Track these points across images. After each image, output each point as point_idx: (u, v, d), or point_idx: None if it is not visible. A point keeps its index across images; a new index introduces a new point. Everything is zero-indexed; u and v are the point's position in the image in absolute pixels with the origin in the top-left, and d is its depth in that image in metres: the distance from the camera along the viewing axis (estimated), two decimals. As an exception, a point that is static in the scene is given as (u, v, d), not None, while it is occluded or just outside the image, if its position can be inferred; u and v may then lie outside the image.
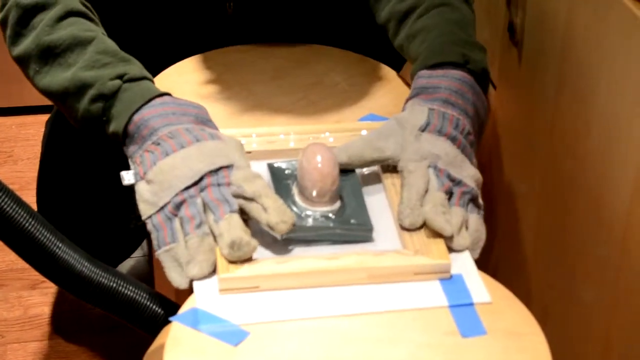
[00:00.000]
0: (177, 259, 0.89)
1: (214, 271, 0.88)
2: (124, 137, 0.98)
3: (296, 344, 0.82)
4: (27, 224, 0.95)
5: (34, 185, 1.51)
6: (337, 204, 0.95)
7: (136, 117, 0.97)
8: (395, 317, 0.85)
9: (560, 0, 1.06)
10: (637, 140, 0.90)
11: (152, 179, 0.93)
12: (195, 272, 0.87)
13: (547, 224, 1.14)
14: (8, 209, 0.94)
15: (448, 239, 0.91)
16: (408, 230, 0.92)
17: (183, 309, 0.86)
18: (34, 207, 0.95)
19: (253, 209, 0.90)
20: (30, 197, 1.51)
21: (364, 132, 1.04)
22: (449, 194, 0.94)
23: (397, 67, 1.27)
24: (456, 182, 0.95)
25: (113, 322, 1.08)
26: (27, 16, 1.08)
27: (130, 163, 0.97)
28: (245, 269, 0.87)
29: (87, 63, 1.02)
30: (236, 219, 0.89)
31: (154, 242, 0.90)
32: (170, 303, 0.99)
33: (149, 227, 0.91)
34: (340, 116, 1.15)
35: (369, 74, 1.24)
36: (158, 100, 0.99)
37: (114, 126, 0.99)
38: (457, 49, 1.06)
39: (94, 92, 1.00)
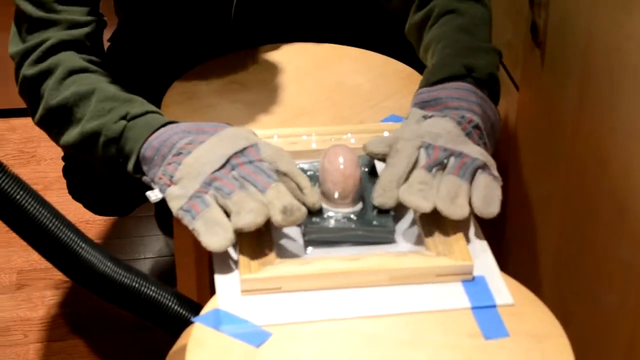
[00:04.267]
0: (212, 220, 0.87)
1: (236, 270, 0.88)
2: (144, 165, 0.99)
3: (318, 345, 0.82)
4: (50, 224, 0.95)
5: (57, 185, 1.52)
6: (359, 206, 0.94)
7: (155, 142, 0.98)
8: (417, 318, 0.85)
9: (582, 1, 1.05)
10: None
11: (180, 177, 0.93)
12: (248, 221, 0.86)
13: (570, 226, 1.14)
14: (31, 209, 0.94)
15: (440, 211, 0.88)
16: (430, 231, 0.91)
17: (205, 310, 0.86)
18: (58, 207, 0.96)
19: (288, 186, 0.91)
20: (53, 197, 1.53)
21: (386, 134, 1.04)
22: (439, 165, 0.92)
23: (419, 67, 1.26)
24: (456, 154, 0.93)
25: (136, 322, 1.08)
26: (35, 85, 1.12)
27: (154, 185, 0.96)
28: (267, 270, 0.87)
29: (93, 114, 1.05)
30: (283, 187, 0.90)
31: (188, 222, 0.89)
32: (192, 304, 0.99)
33: (181, 215, 0.90)
34: (362, 117, 1.15)
35: (391, 74, 1.24)
36: (169, 126, 1.00)
37: (132, 163, 1.00)
38: (460, 60, 1.05)
39: (103, 138, 1.03)
